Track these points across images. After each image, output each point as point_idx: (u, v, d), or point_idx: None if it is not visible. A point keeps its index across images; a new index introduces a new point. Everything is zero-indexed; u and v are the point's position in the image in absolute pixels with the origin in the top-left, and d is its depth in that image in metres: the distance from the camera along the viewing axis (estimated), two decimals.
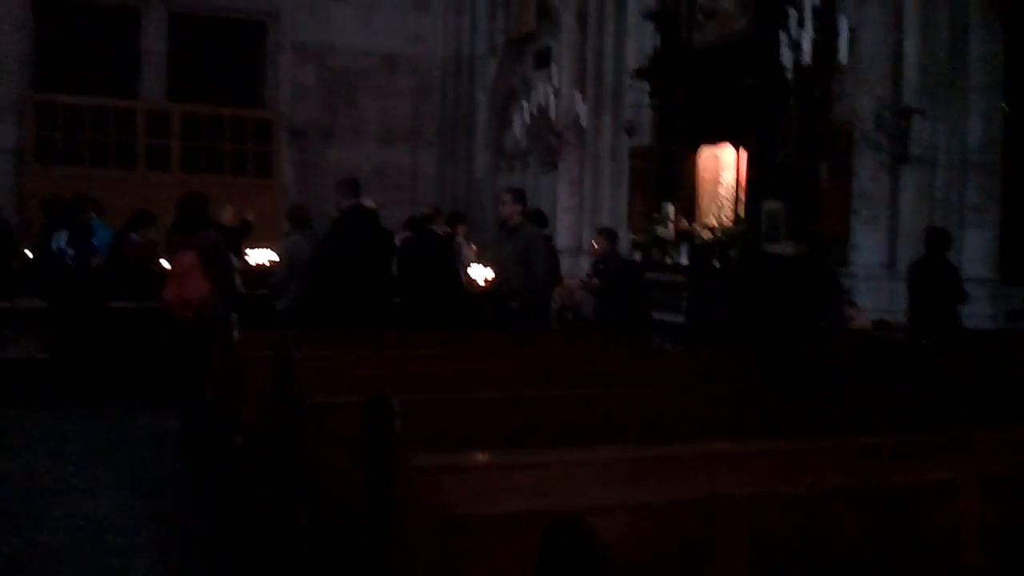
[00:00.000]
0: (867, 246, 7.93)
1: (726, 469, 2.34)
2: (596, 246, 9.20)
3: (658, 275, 10.22)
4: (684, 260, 9.87)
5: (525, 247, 7.45)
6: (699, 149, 10.48)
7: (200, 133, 15.37)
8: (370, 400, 2.27)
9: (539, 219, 9.29)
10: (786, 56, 7.81)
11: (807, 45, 7.34)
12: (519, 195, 8.00)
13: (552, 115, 11.62)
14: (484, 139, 16.07)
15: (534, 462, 2.25)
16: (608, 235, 9.33)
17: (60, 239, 8.54)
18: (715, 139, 10.33)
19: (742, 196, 9.88)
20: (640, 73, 11.25)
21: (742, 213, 9.85)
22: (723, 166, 10.41)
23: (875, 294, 7.80)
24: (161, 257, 8.26)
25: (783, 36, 7.78)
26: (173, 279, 5.99)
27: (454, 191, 16.12)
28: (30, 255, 9.93)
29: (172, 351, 5.94)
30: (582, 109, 11.49)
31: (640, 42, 11.76)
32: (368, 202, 8.10)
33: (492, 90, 15.81)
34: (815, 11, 7.61)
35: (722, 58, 9.84)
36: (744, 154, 9.75)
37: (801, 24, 7.61)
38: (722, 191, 10.37)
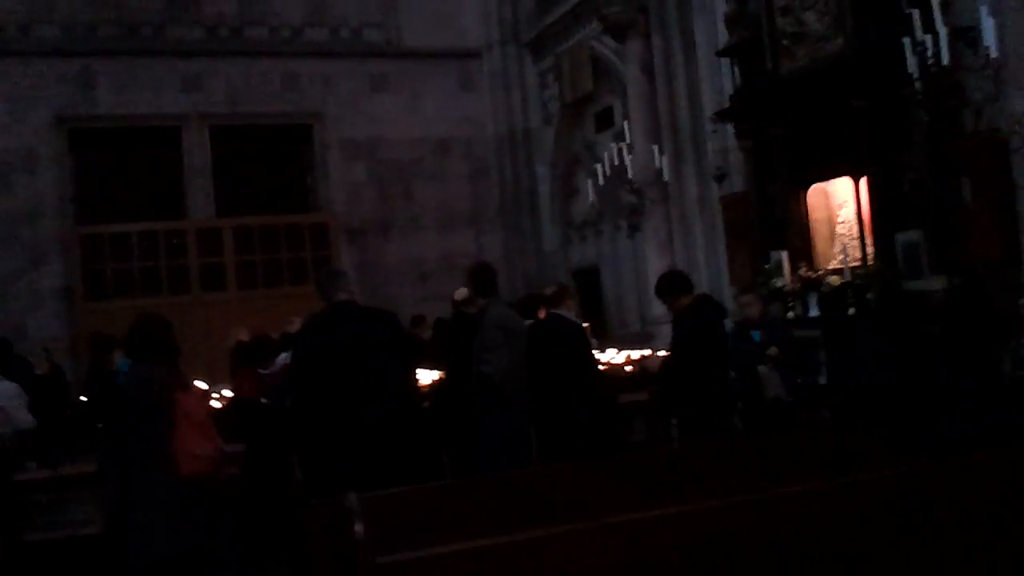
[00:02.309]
0: None
1: None
2: (748, 309, 7.08)
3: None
4: (814, 311, 8.68)
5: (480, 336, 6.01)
6: (807, 187, 9.34)
7: (254, 246, 14.63)
8: None
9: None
10: (912, 64, 6.70)
11: (943, 46, 6.23)
12: (475, 274, 6.34)
13: (629, 174, 10.58)
14: (549, 212, 15.12)
15: None
16: (758, 294, 7.44)
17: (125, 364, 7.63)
18: (824, 173, 9.20)
19: (868, 232, 8.71)
20: (723, 115, 10.22)
21: (870, 251, 8.67)
22: (839, 202, 9.26)
23: None
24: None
25: (907, 42, 6.68)
26: (191, 430, 4.13)
27: (524, 269, 15.12)
28: (85, 399, 9.00)
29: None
30: (662, 163, 10.44)
31: (714, 83, 10.79)
32: (462, 294, 7.01)
33: (552, 161, 14.91)
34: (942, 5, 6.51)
35: (821, 83, 8.76)
36: (864, 184, 8.61)
37: (930, 25, 6.51)
38: (842, 229, 9.20)
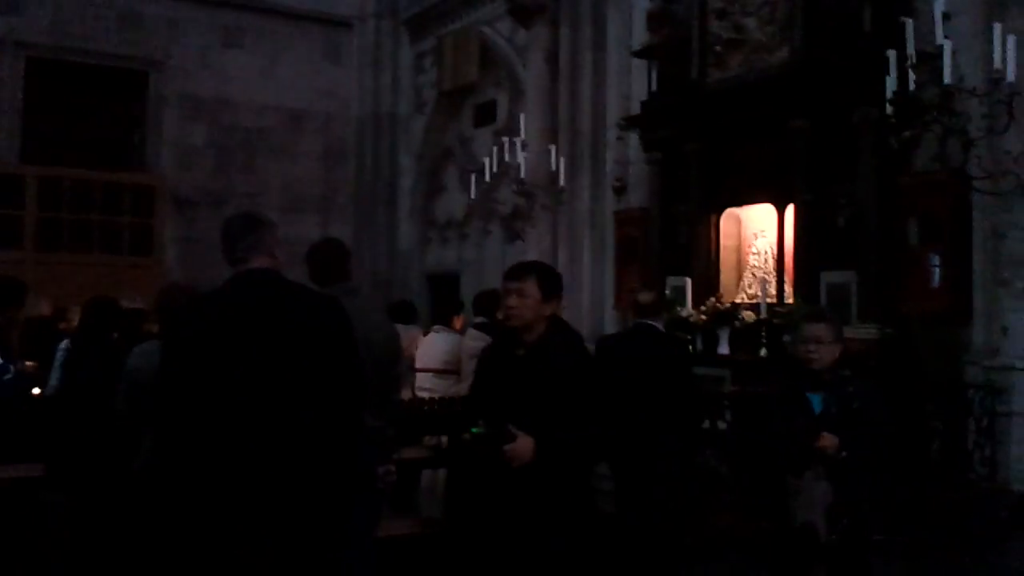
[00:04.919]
0: (1022, 329, 5.95)
1: None
2: (815, 350, 3.87)
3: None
4: (723, 348, 7.78)
5: None
6: (721, 211, 8.47)
7: (62, 202, 12.53)
8: None
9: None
10: (892, 83, 5.87)
11: (946, 62, 5.41)
12: (311, 254, 4.18)
13: (522, 173, 9.44)
14: (410, 207, 13.78)
15: None
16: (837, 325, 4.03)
17: None
18: (743, 197, 8.36)
19: (788, 267, 7.91)
20: (632, 121, 9.26)
21: (788, 288, 7.87)
22: (754, 230, 8.44)
23: None
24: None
25: (892, 56, 5.84)
26: None
27: (374, 267, 13.70)
28: None
29: None
30: (559, 165, 9.36)
31: (622, 87, 9.83)
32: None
33: (419, 153, 13.60)
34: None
35: (754, 98, 7.91)
36: (790, 214, 7.81)
37: (930, 38, 5.70)
38: (755, 261, 8.38)
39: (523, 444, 3.22)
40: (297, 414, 2.70)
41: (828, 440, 3.64)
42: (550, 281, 3.50)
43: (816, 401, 3.85)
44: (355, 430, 2.83)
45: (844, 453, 3.64)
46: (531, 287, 3.42)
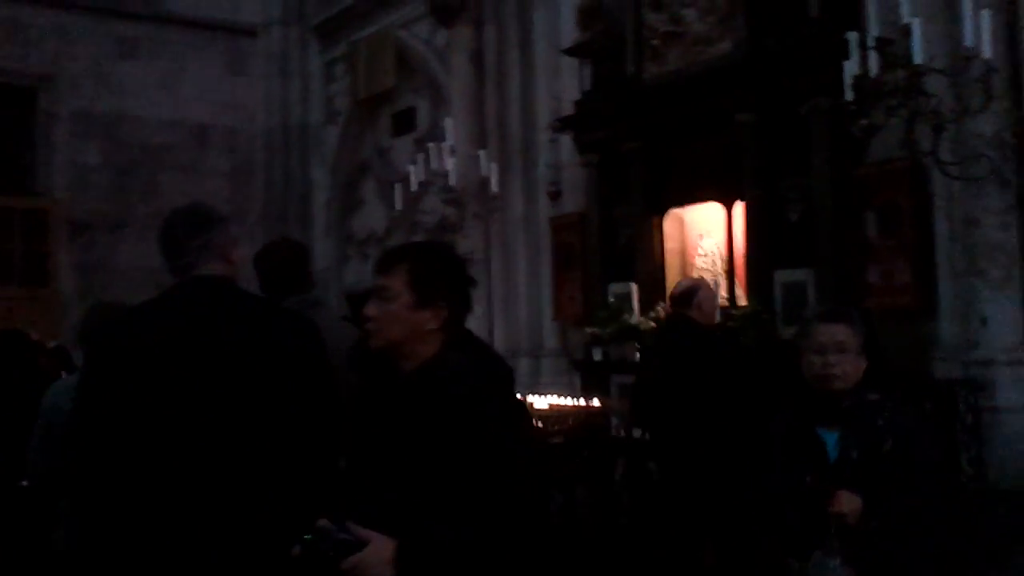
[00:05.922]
0: (1001, 319, 5.68)
1: None
2: (832, 364, 2.72)
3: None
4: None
5: None
6: (664, 212, 8.11)
7: None
8: None
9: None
10: (853, 67, 5.56)
11: (916, 40, 5.10)
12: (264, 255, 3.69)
13: (451, 180, 8.92)
14: (325, 224, 13.10)
15: None
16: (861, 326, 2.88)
17: None
18: (687, 197, 8.01)
19: (738, 268, 7.59)
20: (566, 123, 8.84)
21: (741, 290, 7.54)
22: (699, 231, 8.10)
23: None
24: None
25: (853, 38, 5.53)
26: None
27: None
28: None
29: None
30: (490, 170, 8.87)
31: (551, 87, 9.41)
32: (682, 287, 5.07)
33: (333, 165, 12.96)
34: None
35: (696, 93, 7.57)
36: (739, 213, 7.48)
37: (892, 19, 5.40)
38: (702, 263, 8.03)
39: (372, 555, 1.84)
40: (265, 462, 2.11)
41: (847, 502, 2.48)
42: (430, 275, 2.14)
43: (831, 441, 2.65)
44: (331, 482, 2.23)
45: (873, 523, 2.49)
46: (397, 284, 2.12)
